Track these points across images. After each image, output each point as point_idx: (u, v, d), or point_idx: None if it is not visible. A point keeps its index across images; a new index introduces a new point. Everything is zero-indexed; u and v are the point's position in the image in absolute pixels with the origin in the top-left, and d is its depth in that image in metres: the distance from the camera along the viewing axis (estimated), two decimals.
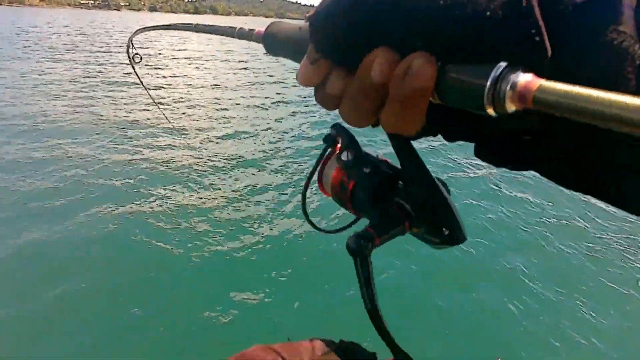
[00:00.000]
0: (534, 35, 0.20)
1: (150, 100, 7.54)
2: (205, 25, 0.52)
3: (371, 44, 0.25)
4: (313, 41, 0.29)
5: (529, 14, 0.20)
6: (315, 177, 0.46)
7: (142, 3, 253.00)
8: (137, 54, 1.00)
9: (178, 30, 0.63)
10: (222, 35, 0.48)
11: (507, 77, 0.20)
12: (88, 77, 9.67)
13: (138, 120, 6.32)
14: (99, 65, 11.86)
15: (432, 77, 0.22)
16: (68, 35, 22.43)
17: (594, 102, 0.16)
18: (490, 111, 0.21)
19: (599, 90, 0.16)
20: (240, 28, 0.43)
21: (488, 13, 0.20)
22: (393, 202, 0.38)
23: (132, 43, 0.95)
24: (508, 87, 0.20)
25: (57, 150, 4.86)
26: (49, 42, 17.06)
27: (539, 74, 0.19)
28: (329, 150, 0.45)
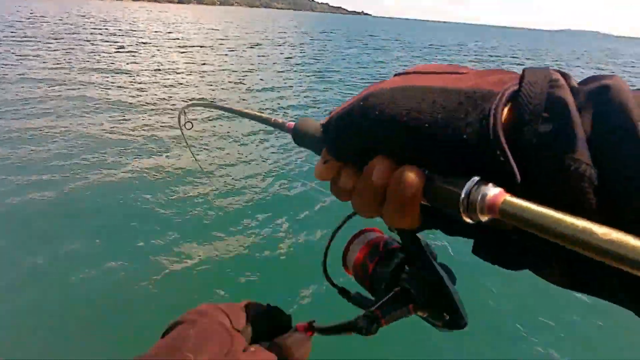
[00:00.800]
0: (500, 159, 0.24)
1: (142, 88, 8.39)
2: (252, 112, 0.59)
3: (374, 152, 0.30)
4: (326, 144, 0.35)
5: (495, 142, 0.24)
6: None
7: None
8: (189, 121, 1.04)
9: (226, 111, 0.70)
10: (260, 122, 0.54)
11: (479, 189, 0.23)
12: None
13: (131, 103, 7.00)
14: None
15: (419, 187, 0.27)
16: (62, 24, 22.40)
17: (549, 221, 0.20)
18: (466, 218, 0.24)
19: (557, 211, 0.20)
20: (275, 119, 0.51)
21: (465, 136, 0.25)
22: (400, 286, 0.40)
23: (184, 112, 1.00)
24: (479, 198, 0.23)
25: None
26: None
27: (509, 190, 0.23)
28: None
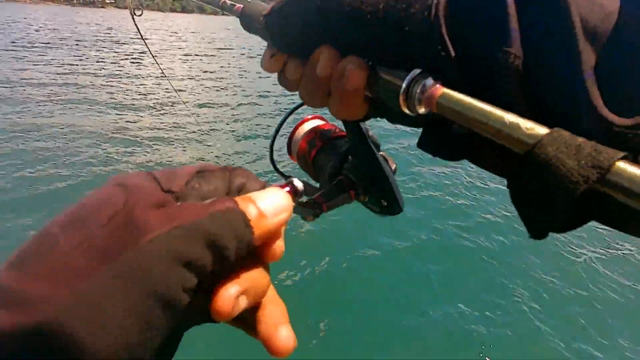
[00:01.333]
0: (440, 50, 0.23)
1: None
2: None
3: (318, 41, 0.29)
4: (269, 37, 0.34)
5: (437, 36, 0.23)
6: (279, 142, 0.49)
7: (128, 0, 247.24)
8: (138, 6, 0.95)
9: None
10: (205, 3, 0.51)
11: (418, 82, 0.24)
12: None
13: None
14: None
15: (362, 79, 0.27)
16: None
17: (481, 115, 0.20)
18: (405, 109, 0.25)
19: (490, 105, 0.20)
20: (223, 0, 0.46)
21: (407, 28, 0.24)
22: (341, 174, 0.41)
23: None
24: (418, 91, 0.24)
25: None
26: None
27: (448, 83, 0.23)
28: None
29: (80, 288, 0.17)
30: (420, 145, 0.30)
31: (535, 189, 0.20)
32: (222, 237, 0.20)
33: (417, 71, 0.24)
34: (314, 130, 0.47)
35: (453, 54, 0.24)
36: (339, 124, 0.44)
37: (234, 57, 16.90)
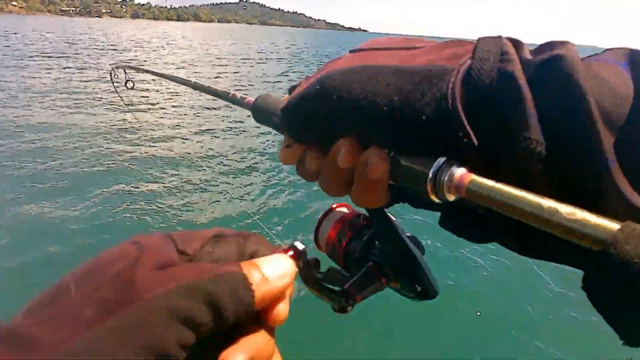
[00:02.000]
0: (462, 137, 0.23)
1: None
2: (202, 84, 0.56)
3: (337, 133, 0.29)
4: (286, 129, 0.34)
5: (457, 123, 0.23)
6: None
7: (124, 10, 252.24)
8: (129, 80, 0.96)
9: (174, 82, 0.65)
10: (216, 96, 0.52)
11: (445, 170, 0.23)
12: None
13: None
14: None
15: (385, 171, 0.27)
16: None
17: (514, 200, 0.20)
18: (433, 198, 0.24)
19: (523, 190, 0.20)
20: (233, 94, 0.48)
21: (424, 117, 0.24)
22: (371, 260, 0.41)
23: (115, 72, 0.93)
24: (445, 179, 0.23)
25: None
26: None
27: (472, 168, 0.23)
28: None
29: (84, 336, 0.18)
30: (442, 224, 0.30)
31: (620, 291, 0.19)
32: (221, 297, 0.21)
33: (442, 159, 0.24)
34: (342, 220, 0.47)
35: (476, 142, 0.23)
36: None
37: (228, 65, 17.07)
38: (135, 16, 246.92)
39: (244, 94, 0.46)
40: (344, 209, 0.49)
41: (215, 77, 13.05)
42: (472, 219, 0.28)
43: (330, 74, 0.30)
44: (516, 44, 0.26)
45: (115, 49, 19.82)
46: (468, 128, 0.23)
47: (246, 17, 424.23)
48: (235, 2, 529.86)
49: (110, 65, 2.08)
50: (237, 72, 14.98)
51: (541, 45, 0.25)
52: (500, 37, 0.26)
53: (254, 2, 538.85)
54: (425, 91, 0.25)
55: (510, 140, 0.23)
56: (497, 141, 0.23)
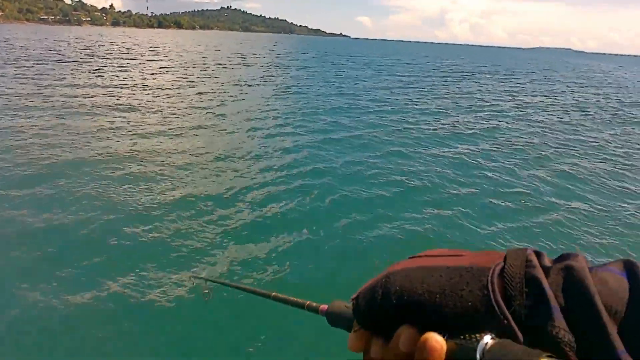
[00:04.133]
0: (504, 323, 0.29)
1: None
2: (282, 296, 0.63)
3: (399, 322, 0.34)
4: (355, 317, 0.39)
5: (498, 308, 0.29)
6: None
7: (105, 18, 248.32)
8: (207, 292, 1.06)
9: (255, 294, 0.71)
10: (294, 306, 0.58)
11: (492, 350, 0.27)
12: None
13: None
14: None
15: (441, 353, 0.30)
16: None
17: None
18: None
19: None
20: (309, 303, 0.53)
21: (469, 303, 0.30)
22: None
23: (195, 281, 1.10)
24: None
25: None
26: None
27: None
28: None
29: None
30: None
31: None
32: None
33: (488, 338, 0.29)
34: None
35: (516, 328, 0.29)
36: None
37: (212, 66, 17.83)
38: (115, 24, 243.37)
39: (317, 303, 0.53)
40: None
41: (202, 81, 14.23)
42: None
43: (394, 271, 0.38)
44: (538, 254, 0.34)
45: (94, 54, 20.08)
46: (509, 315, 0.30)
47: (228, 24, 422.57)
48: (217, 10, 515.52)
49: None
50: (217, 78, 16.22)
51: (560, 256, 0.34)
52: (526, 249, 0.34)
53: (235, 9, 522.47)
54: (469, 282, 0.32)
55: (541, 329, 0.29)
56: (528, 329, 0.30)
